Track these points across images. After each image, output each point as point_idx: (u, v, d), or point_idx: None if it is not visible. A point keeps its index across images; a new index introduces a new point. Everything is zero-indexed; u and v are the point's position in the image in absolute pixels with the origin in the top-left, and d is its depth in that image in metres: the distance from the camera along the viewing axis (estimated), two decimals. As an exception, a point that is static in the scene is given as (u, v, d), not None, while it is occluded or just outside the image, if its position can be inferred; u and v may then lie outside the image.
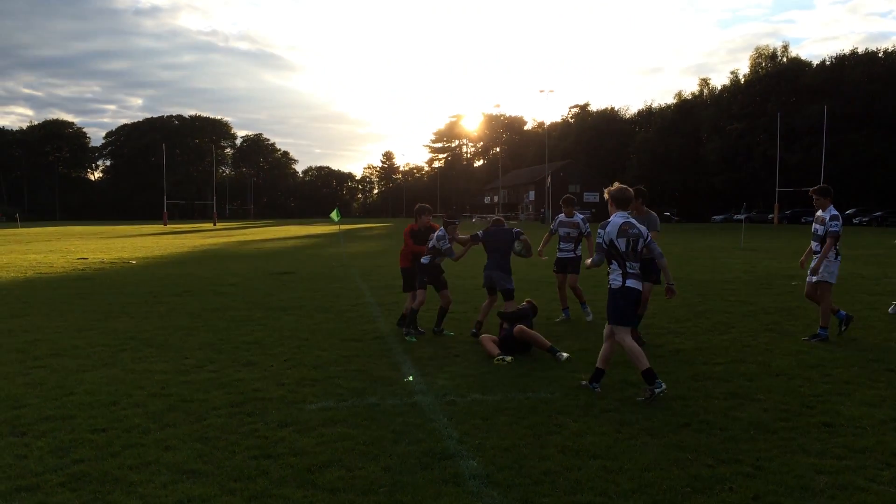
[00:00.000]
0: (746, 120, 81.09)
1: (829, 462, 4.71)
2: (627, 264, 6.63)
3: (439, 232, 9.83)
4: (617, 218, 6.74)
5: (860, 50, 77.71)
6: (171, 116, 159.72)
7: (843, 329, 9.27)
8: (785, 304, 12.16)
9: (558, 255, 11.31)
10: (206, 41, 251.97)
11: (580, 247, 11.22)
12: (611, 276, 6.73)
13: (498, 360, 7.99)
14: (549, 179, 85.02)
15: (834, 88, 74.24)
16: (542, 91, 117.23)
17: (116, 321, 11.15)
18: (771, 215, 71.37)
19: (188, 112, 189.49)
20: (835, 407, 6.00)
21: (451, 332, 9.82)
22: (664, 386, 6.33)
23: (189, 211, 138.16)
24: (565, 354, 8.08)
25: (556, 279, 11.44)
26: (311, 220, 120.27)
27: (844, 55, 78.86)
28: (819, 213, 9.31)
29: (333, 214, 23.49)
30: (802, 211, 73.51)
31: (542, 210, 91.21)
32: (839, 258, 9.19)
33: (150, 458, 5.01)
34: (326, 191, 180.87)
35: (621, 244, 6.62)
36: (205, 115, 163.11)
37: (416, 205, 11.04)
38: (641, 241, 6.75)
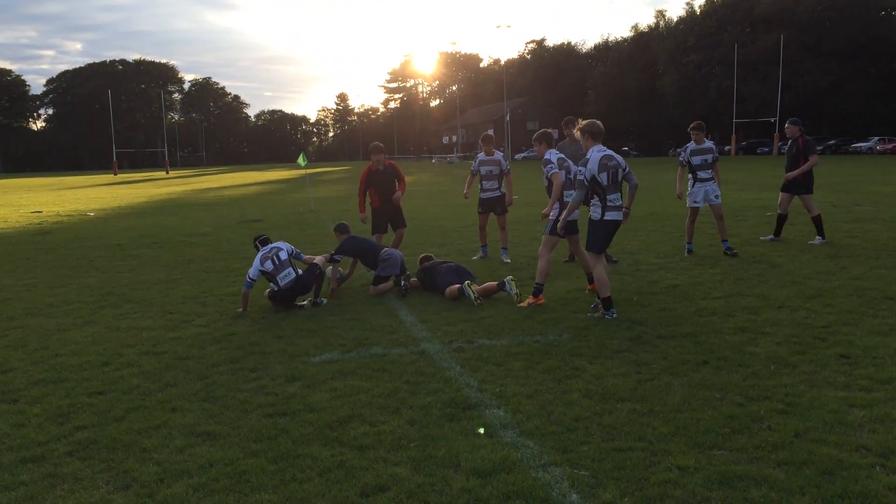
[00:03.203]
0: (703, 52, 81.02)
1: (858, 395, 4.67)
2: (608, 197, 6.75)
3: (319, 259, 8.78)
4: (595, 153, 6.88)
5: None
6: (114, 61, 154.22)
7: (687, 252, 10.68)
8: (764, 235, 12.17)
9: (482, 195, 10.97)
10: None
11: (503, 184, 10.88)
12: (591, 209, 7.01)
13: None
14: (508, 117, 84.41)
15: (788, 18, 74.26)
16: (498, 27, 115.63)
17: (87, 276, 10.71)
18: (728, 147, 72.06)
19: (132, 56, 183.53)
20: (846, 338, 5.98)
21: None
22: (615, 315, 6.97)
23: (139, 159, 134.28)
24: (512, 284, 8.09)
25: (479, 220, 11.29)
26: (267, 165, 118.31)
27: (799, -17, 78.62)
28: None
29: (300, 159, 22.95)
30: (758, 142, 74.53)
31: (502, 148, 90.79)
32: (695, 184, 10.72)
33: (159, 421, 4.76)
34: (280, 135, 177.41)
35: (603, 178, 6.85)
36: (149, 58, 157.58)
37: (371, 144, 10.91)
38: (621, 171, 6.95)
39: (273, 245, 8.49)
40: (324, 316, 7.66)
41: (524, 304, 7.64)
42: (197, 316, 7.87)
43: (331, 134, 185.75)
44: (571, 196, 7.56)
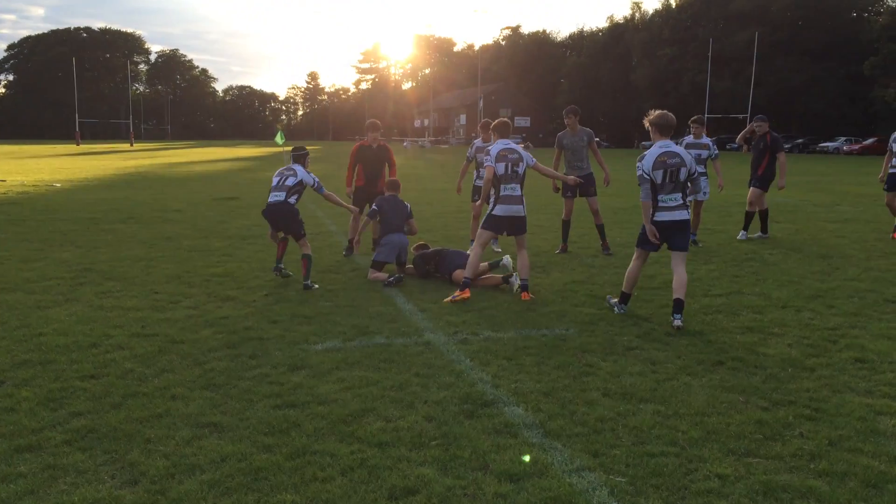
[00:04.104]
0: (677, 45, 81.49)
1: (883, 402, 4.59)
2: (659, 196, 6.38)
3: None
4: (655, 149, 6.47)
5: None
6: (78, 28, 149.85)
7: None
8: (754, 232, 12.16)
9: (477, 182, 10.49)
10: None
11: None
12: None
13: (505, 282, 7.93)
14: (482, 103, 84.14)
15: (762, 15, 74.99)
16: (476, 11, 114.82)
17: (62, 251, 10.30)
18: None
19: (97, 24, 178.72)
20: (857, 341, 5.92)
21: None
22: (624, 312, 6.88)
23: (102, 130, 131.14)
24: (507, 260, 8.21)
25: (472, 209, 10.42)
26: (235, 141, 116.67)
27: (774, -19, 79.35)
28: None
29: (278, 137, 22.41)
30: (728, 138, 75.27)
31: (474, 134, 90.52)
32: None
33: (159, 410, 4.50)
34: (249, 111, 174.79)
35: (657, 176, 6.38)
36: (115, 27, 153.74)
37: (368, 120, 10.63)
38: (684, 170, 6.45)
39: (292, 166, 8.60)
40: (317, 301, 7.42)
41: (447, 300, 7.30)
42: (184, 297, 7.57)
43: (300, 112, 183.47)
44: (510, 189, 7.50)
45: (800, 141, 67.35)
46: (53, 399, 4.67)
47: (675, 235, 6.52)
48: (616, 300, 7.03)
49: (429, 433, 4.16)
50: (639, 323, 6.54)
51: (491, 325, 6.52)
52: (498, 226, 7.65)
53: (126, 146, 77.49)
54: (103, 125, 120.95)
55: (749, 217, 11.67)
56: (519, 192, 7.61)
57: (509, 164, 7.51)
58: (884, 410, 4.46)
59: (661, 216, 6.50)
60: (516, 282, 7.76)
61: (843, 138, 65.79)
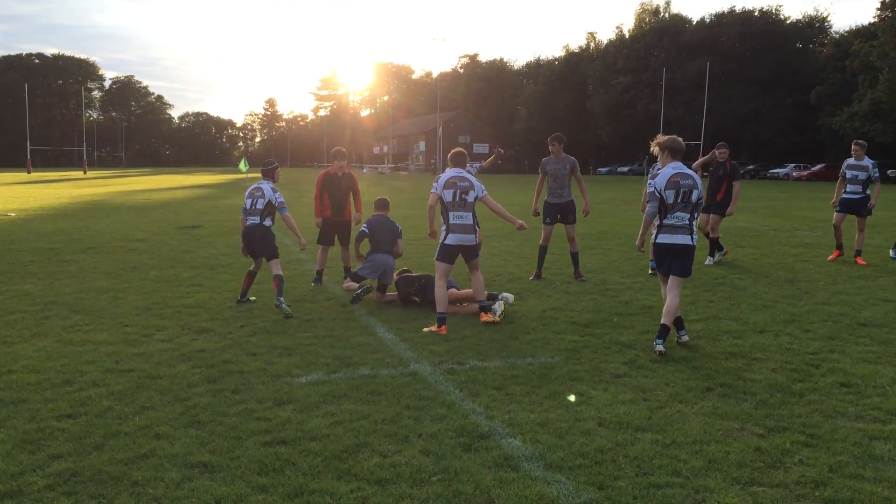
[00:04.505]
0: (631, 74, 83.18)
1: (875, 427, 4.63)
2: (668, 216, 6.45)
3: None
4: (668, 169, 6.51)
5: (737, 8, 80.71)
6: (30, 54, 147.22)
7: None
8: (737, 257, 12.32)
9: None
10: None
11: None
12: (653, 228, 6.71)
13: (493, 312, 7.74)
14: (441, 130, 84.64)
15: (712, 46, 77.14)
16: (434, 39, 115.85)
17: (24, 283, 9.96)
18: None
19: (49, 50, 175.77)
20: (839, 365, 5.99)
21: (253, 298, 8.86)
22: (686, 337, 6.66)
23: (55, 158, 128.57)
24: (510, 296, 8.05)
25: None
26: (192, 168, 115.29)
27: (723, 13, 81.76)
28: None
29: (242, 164, 22.25)
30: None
31: (433, 161, 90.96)
32: None
33: (144, 450, 4.32)
34: (205, 138, 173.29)
35: (669, 196, 6.42)
36: (68, 53, 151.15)
37: (333, 148, 10.48)
38: (696, 192, 6.49)
39: (260, 185, 8.67)
40: (295, 332, 7.28)
41: (426, 329, 7.25)
42: (156, 330, 7.36)
43: (258, 139, 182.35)
44: (459, 217, 7.45)
45: (751, 167, 69.11)
46: (31, 441, 4.46)
47: (675, 260, 6.53)
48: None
49: (428, 468, 4.06)
50: (623, 350, 6.54)
51: (475, 353, 6.45)
52: (450, 255, 7.56)
53: (79, 174, 75.88)
54: (55, 152, 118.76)
55: (714, 242, 11.84)
56: (471, 221, 7.53)
57: (458, 192, 7.47)
58: (877, 435, 4.49)
59: (663, 238, 6.54)
60: (499, 309, 7.74)
61: (792, 164, 67.67)
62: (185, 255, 12.90)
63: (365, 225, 9.01)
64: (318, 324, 7.66)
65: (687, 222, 6.49)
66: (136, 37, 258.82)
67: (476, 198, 7.58)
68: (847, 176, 11.95)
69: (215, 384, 5.58)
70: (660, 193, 6.48)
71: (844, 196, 11.97)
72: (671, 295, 6.52)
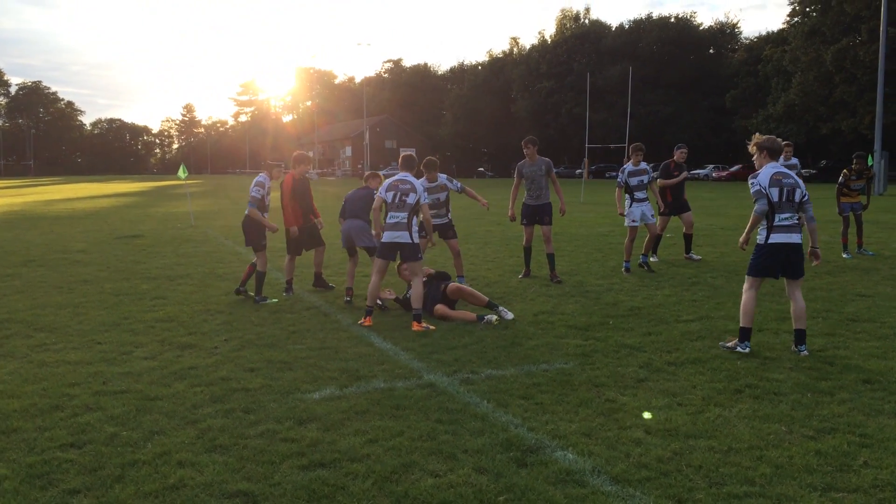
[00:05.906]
0: (554, 79, 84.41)
1: (918, 423, 4.64)
2: (776, 216, 6.28)
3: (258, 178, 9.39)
4: (769, 168, 6.37)
5: (654, 15, 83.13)
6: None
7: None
8: (680, 256, 12.45)
9: (435, 220, 9.67)
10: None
11: (450, 210, 9.95)
12: (759, 230, 6.48)
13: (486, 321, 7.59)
14: (368, 134, 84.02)
15: (632, 51, 79.09)
16: (359, 44, 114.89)
17: (-35, 300, 9.19)
18: (579, 170, 75.29)
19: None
20: (851, 362, 6.03)
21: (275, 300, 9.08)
22: (748, 350, 6.36)
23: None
24: (510, 314, 7.87)
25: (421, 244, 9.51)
26: (107, 176, 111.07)
27: (641, 19, 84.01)
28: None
29: (180, 172, 21.39)
30: (606, 166, 78.55)
31: (360, 165, 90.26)
32: (632, 204, 10.97)
33: (172, 480, 3.93)
34: (119, 145, 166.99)
35: (773, 193, 6.28)
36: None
37: (295, 153, 10.16)
38: (799, 191, 6.36)
39: (258, 178, 9.37)
40: (285, 344, 6.90)
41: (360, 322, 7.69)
42: (134, 346, 6.86)
43: (175, 146, 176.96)
44: (395, 217, 7.63)
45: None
46: (38, 475, 4.01)
47: (791, 258, 6.35)
48: (733, 342, 6.51)
49: (490, 488, 3.82)
50: (633, 353, 6.43)
51: (484, 362, 6.22)
52: (385, 252, 7.83)
53: (-14, 183, 71.99)
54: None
55: (688, 239, 12.13)
56: (405, 220, 7.67)
57: (398, 195, 7.73)
58: (924, 432, 4.49)
59: (777, 237, 6.30)
60: (492, 319, 7.58)
61: (711, 165, 69.99)
62: (137, 266, 12.21)
63: (345, 199, 9.34)
64: (306, 335, 7.29)
65: (796, 221, 6.38)
66: (43, 41, 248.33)
67: (416, 201, 7.74)
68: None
69: (223, 404, 5.19)
70: (765, 191, 6.30)
71: None
72: (796, 297, 6.39)
